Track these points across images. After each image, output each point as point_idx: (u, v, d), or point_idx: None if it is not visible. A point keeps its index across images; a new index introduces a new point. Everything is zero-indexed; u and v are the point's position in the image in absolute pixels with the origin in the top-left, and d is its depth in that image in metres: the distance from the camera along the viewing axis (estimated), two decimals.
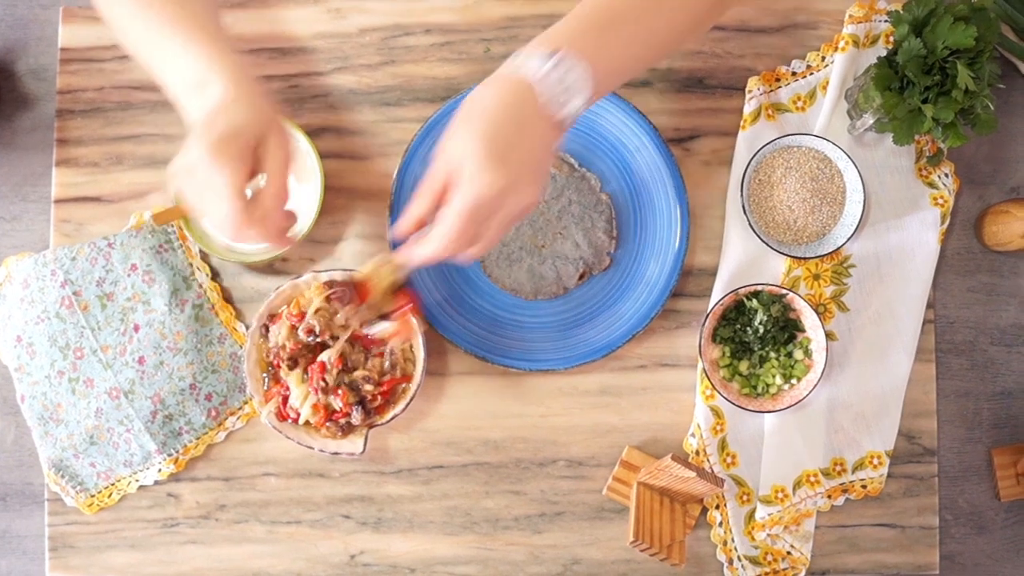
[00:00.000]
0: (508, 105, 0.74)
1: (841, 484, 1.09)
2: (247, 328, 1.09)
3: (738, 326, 1.07)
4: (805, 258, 1.07)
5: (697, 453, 1.09)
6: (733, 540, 1.09)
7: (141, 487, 1.09)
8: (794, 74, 1.12)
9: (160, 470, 1.08)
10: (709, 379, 1.05)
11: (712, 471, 1.08)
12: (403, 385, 1.05)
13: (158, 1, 0.82)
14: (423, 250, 0.79)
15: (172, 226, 1.09)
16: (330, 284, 1.04)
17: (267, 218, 0.78)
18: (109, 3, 0.85)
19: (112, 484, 1.09)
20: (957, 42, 0.95)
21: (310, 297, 1.04)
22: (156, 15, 0.81)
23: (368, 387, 1.03)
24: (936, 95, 0.97)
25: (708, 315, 1.05)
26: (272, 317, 1.05)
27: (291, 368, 1.03)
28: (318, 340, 1.02)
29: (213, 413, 1.08)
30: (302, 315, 1.03)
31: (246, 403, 1.09)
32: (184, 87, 0.81)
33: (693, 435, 1.09)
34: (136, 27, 0.82)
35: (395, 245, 1.03)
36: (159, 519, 1.10)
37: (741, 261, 1.09)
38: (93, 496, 1.09)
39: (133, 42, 0.85)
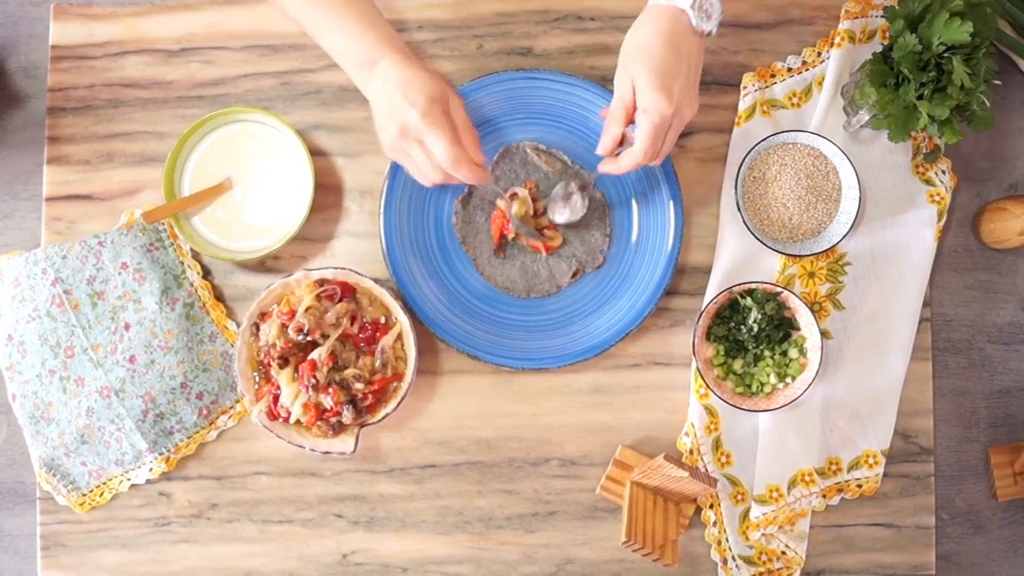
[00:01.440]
0: (667, 34, 0.91)
1: (836, 483, 1.08)
2: (238, 327, 1.08)
3: (732, 324, 1.06)
4: (800, 256, 1.06)
5: (691, 452, 1.08)
6: (727, 540, 1.08)
7: (133, 486, 1.09)
8: (789, 70, 1.11)
9: (151, 469, 1.08)
10: (703, 378, 1.05)
11: (706, 470, 1.08)
12: (394, 384, 1.05)
13: None
14: (623, 163, 0.96)
15: (163, 224, 1.09)
16: (321, 282, 1.04)
17: (473, 161, 0.94)
18: (294, 6, 0.99)
19: (104, 483, 1.09)
20: (953, 38, 0.94)
21: (300, 295, 1.03)
22: (325, 5, 0.97)
23: (359, 385, 1.02)
24: (932, 91, 0.96)
25: (702, 313, 1.04)
26: (263, 316, 1.05)
27: (282, 367, 1.03)
28: (308, 339, 1.02)
29: (204, 412, 1.08)
30: (292, 313, 1.02)
31: (237, 402, 1.09)
32: (356, 64, 0.97)
33: (687, 434, 1.08)
34: (307, 12, 0.97)
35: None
36: (151, 518, 1.10)
37: (735, 259, 1.08)
38: (85, 495, 1.09)
39: (305, 24, 0.99)
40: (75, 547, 1.10)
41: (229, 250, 1.08)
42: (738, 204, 1.06)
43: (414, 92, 0.92)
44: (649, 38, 0.92)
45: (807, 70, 1.11)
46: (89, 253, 1.07)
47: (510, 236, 1.07)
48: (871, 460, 1.08)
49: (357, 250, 1.10)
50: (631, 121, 0.95)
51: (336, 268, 1.05)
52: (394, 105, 0.92)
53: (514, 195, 1.06)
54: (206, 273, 1.10)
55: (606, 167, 0.99)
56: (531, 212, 1.06)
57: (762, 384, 1.06)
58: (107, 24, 1.13)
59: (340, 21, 0.96)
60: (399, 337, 1.05)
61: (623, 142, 0.97)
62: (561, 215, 1.07)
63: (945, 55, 0.95)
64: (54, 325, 1.06)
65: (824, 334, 1.08)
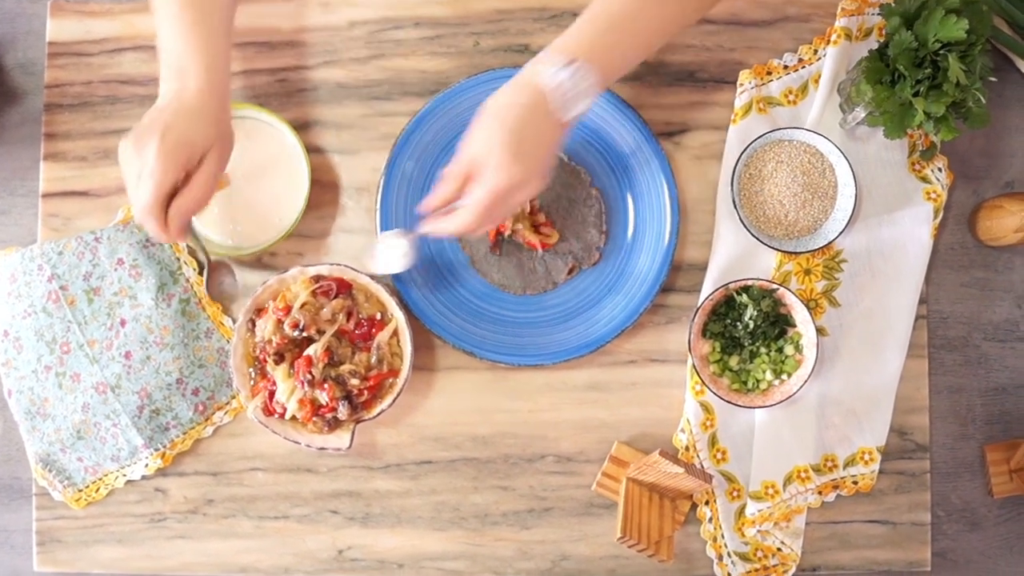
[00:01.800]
0: (526, 108, 0.86)
1: (832, 480, 1.08)
2: (234, 323, 1.08)
3: (728, 321, 1.06)
4: (796, 253, 1.06)
5: (687, 449, 1.08)
6: (723, 536, 1.08)
7: (128, 482, 1.09)
8: (786, 67, 1.11)
9: (147, 465, 1.08)
10: (699, 374, 1.05)
11: (701, 467, 1.08)
12: (390, 380, 1.05)
13: None
14: (447, 225, 0.90)
15: None
16: (317, 279, 1.04)
17: (173, 219, 0.89)
18: None
19: (99, 479, 1.09)
20: (948, 35, 0.94)
21: (296, 291, 1.03)
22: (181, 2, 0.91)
23: (355, 381, 1.02)
24: (927, 88, 0.96)
25: (698, 310, 1.04)
26: (259, 311, 1.05)
27: (277, 363, 1.03)
28: (304, 335, 1.02)
29: (200, 408, 1.08)
30: (288, 309, 1.02)
31: (233, 398, 1.09)
32: (167, 66, 0.91)
33: (683, 431, 1.08)
34: (161, 8, 0.93)
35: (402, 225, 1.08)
36: (146, 514, 1.10)
37: (732, 256, 1.08)
38: (80, 490, 1.09)
39: (157, 16, 0.94)
40: (71, 543, 1.10)
41: (224, 246, 1.08)
42: (734, 201, 1.06)
43: (177, 125, 0.88)
44: (507, 110, 0.87)
45: (803, 67, 1.11)
46: (85, 249, 1.07)
47: (506, 233, 1.07)
48: (867, 457, 1.08)
49: (353, 246, 1.10)
50: (467, 184, 0.90)
51: (332, 264, 1.05)
52: (154, 120, 0.88)
53: None
54: (202, 269, 1.10)
55: (428, 226, 0.93)
56: (527, 209, 1.06)
57: (758, 381, 1.06)
58: (104, 21, 1.13)
59: (181, 21, 0.91)
60: (395, 333, 1.06)
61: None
62: (377, 266, 1.04)
63: (941, 52, 0.95)
64: (50, 321, 1.06)
65: (820, 331, 1.08)
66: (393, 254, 1.03)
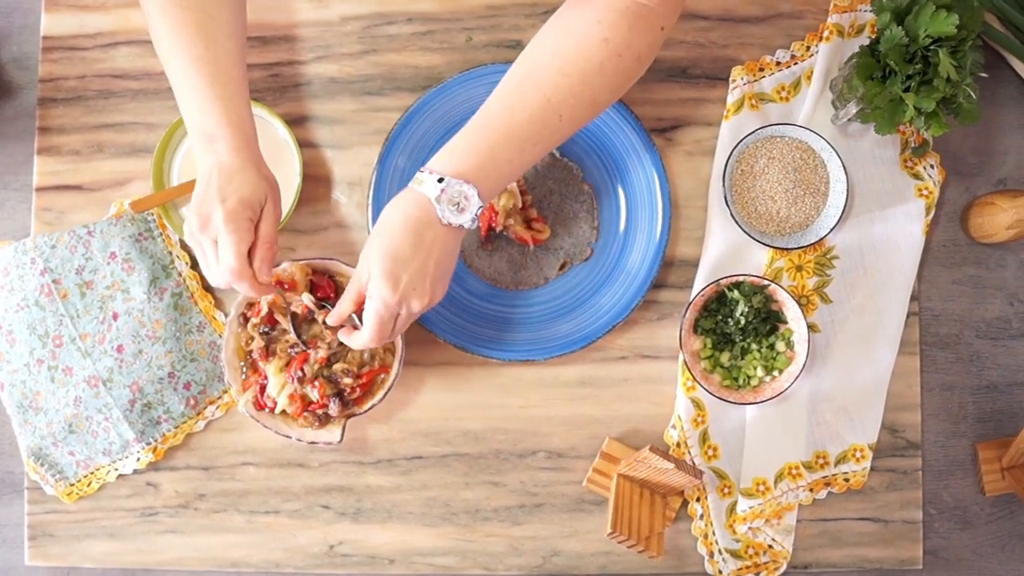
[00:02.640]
0: (411, 221, 0.87)
1: (823, 477, 1.08)
2: (226, 317, 1.08)
3: (719, 317, 1.06)
4: (788, 249, 1.06)
5: (678, 445, 1.08)
6: (714, 533, 1.08)
7: (120, 476, 1.09)
8: (778, 64, 1.11)
9: (139, 459, 1.08)
10: (690, 371, 1.05)
11: (692, 463, 1.07)
12: (381, 376, 1.05)
13: (186, 37, 0.91)
14: (354, 343, 0.94)
15: (151, 214, 1.09)
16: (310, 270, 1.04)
17: (261, 273, 0.91)
18: (156, 35, 0.93)
19: (91, 473, 1.09)
20: (939, 30, 0.94)
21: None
22: (184, 51, 0.91)
23: (347, 380, 1.02)
24: (918, 84, 0.96)
25: (689, 306, 1.04)
26: (250, 306, 1.05)
27: (264, 357, 1.03)
28: (273, 332, 1.03)
29: (192, 402, 1.08)
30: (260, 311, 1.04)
31: (225, 392, 1.09)
32: (197, 133, 0.91)
33: (674, 427, 1.08)
34: (173, 61, 0.92)
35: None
36: (138, 508, 1.10)
37: (723, 252, 1.08)
38: (72, 484, 1.09)
39: (167, 69, 0.93)
40: (62, 537, 1.10)
41: None
42: (726, 197, 1.06)
43: (231, 188, 0.89)
44: (393, 222, 0.87)
45: (796, 64, 1.11)
46: (78, 243, 1.07)
47: (498, 228, 1.07)
48: (858, 454, 1.08)
49: (346, 241, 1.11)
50: (363, 300, 0.92)
51: (324, 259, 1.05)
52: (208, 194, 0.89)
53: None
54: (195, 263, 1.10)
55: (343, 338, 0.96)
56: (519, 204, 1.06)
57: (749, 377, 1.06)
58: (98, 15, 1.13)
59: (198, 82, 0.91)
60: None
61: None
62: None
63: (931, 47, 0.95)
64: (42, 315, 1.07)
65: (811, 327, 1.08)
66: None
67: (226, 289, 0.97)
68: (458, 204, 0.87)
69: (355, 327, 0.95)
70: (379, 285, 0.87)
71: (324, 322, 0.98)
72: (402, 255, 0.87)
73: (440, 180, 0.86)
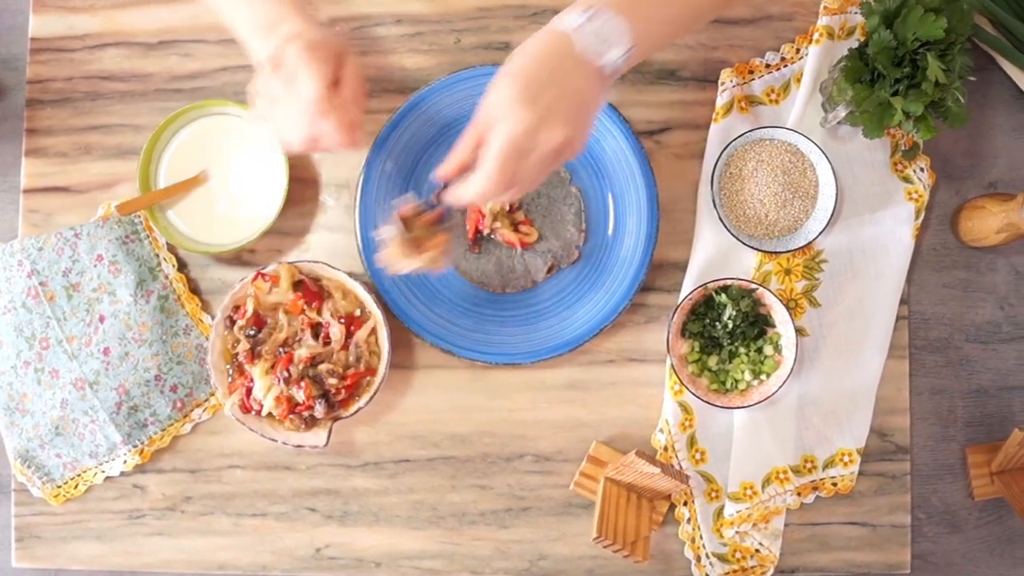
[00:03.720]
0: (543, 53, 0.77)
1: (811, 481, 1.07)
2: (213, 319, 1.08)
3: (707, 321, 1.06)
4: (776, 252, 1.06)
5: (665, 449, 1.08)
6: (701, 537, 1.08)
7: (107, 478, 1.09)
8: (768, 66, 1.11)
9: (126, 461, 1.08)
10: (677, 374, 1.04)
11: (680, 467, 1.07)
12: (368, 378, 1.05)
13: None
14: (466, 191, 0.81)
15: (138, 217, 1.09)
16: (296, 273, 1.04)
17: (343, 107, 0.83)
18: None
19: (78, 475, 1.09)
20: (927, 33, 0.94)
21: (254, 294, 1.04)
22: None
23: (332, 381, 1.02)
24: (906, 87, 0.96)
25: (677, 309, 1.04)
26: (237, 309, 1.05)
27: (250, 359, 1.03)
28: (259, 334, 1.03)
29: (179, 405, 1.08)
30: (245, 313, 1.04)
31: (212, 395, 1.09)
32: (256, 27, 0.85)
33: (661, 431, 1.08)
34: None
35: (425, 194, 1.07)
36: (125, 510, 1.10)
37: (711, 255, 1.08)
38: (59, 487, 1.09)
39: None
40: (49, 539, 1.10)
41: (204, 243, 1.08)
42: (714, 200, 1.05)
43: (306, 33, 0.82)
44: (526, 54, 0.78)
45: (786, 66, 1.10)
46: (65, 245, 1.07)
47: (485, 231, 1.06)
48: (846, 458, 1.07)
49: (332, 244, 1.10)
50: (480, 145, 0.81)
51: (311, 262, 1.05)
52: (276, 48, 0.82)
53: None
54: (181, 266, 1.10)
55: (448, 195, 0.84)
56: (505, 208, 1.06)
57: (736, 381, 1.06)
58: (86, 17, 1.13)
59: None
60: (373, 331, 1.05)
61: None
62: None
63: (920, 51, 0.95)
64: (29, 317, 1.06)
65: (800, 331, 1.07)
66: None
67: (298, 154, 0.89)
68: (604, 39, 0.77)
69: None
70: (511, 107, 0.75)
71: (435, 182, 0.88)
72: (538, 79, 0.76)
73: (582, 12, 0.77)
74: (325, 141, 0.84)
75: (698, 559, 1.07)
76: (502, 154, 0.77)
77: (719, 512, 1.07)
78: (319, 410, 1.02)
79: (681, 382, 1.05)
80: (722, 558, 1.07)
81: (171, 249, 1.10)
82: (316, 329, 1.04)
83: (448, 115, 1.08)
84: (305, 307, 1.03)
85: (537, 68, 0.77)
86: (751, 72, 1.10)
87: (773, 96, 1.10)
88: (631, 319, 1.09)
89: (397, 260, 0.94)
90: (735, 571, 1.07)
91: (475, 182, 0.79)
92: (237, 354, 1.04)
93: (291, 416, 1.03)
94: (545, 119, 0.76)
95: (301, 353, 1.02)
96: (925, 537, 1.10)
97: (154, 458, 1.09)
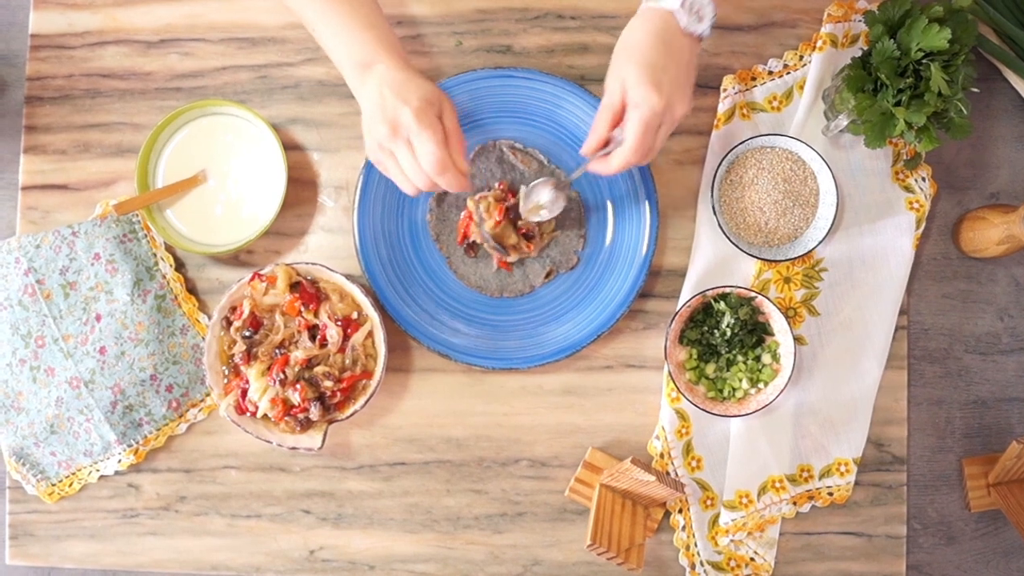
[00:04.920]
0: (657, 34, 0.91)
1: (807, 491, 1.07)
2: (210, 320, 1.08)
3: (705, 328, 1.05)
4: (776, 261, 1.05)
5: (662, 456, 1.07)
6: (696, 545, 1.07)
7: (102, 477, 1.09)
8: (770, 73, 1.10)
9: (120, 460, 1.08)
10: (675, 382, 1.04)
11: (676, 475, 1.07)
12: (364, 381, 1.04)
13: None
14: (612, 163, 0.94)
15: (136, 216, 1.08)
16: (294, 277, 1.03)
17: (459, 163, 0.92)
18: None
19: (73, 473, 1.09)
20: (931, 44, 0.93)
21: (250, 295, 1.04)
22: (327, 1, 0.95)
23: (328, 383, 1.02)
24: (909, 98, 0.95)
25: (675, 316, 1.04)
26: (233, 309, 1.05)
27: (247, 361, 1.03)
28: (256, 335, 1.03)
29: (174, 404, 1.08)
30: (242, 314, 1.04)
31: (207, 395, 1.09)
32: (352, 65, 0.94)
33: (658, 437, 1.08)
34: (308, 8, 0.95)
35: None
36: (119, 509, 1.10)
37: (711, 263, 1.07)
38: (54, 485, 1.09)
39: (305, 19, 0.97)
40: (43, 537, 1.10)
41: (202, 243, 1.08)
42: (714, 207, 1.05)
43: (409, 92, 0.90)
44: (638, 38, 0.91)
45: (788, 74, 1.10)
46: (62, 243, 1.07)
47: (472, 238, 1.06)
48: (843, 468, 1.07)
49: (331, 245, 1.10)
50: (618, 123, 0.93)
51: (309, 263, 1.04)
52: (386, 104, 0.90)
53: (484, 197, 1.05)
54: (179, 266, 1.10)
55: (595, 166, 0.96)
56: (498, 221, 1.04)
57: (734, 389, 1.05)
58: (87, 14, 1.13)
59: (340, 20, 0.93)
60: (369, 334, 1.05)
61: (608, 144, 0.95)
62: (532, 215, 1.04)
63: (923, 61, 0.94)
64: (26, 314, 1.06)
65: (798, 340, 1.07)
66: (545, 201, 1.04)
67: (420, 194, 0.95)
68: (697, 13, 0.91)
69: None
70: (644, 92, 0.89)
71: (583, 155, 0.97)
72: (659, 62, 0.89)
73: None
74: (439, 189, 0.93)
75: (693, 567, 1.07)
76: (642, 130, 0.90)
77: (714, 520, 1.07)
78: (315, 412, 1.02)
79: (678, 389, 1.04)
80: (717, 566, 1.07)
81: (169, 249, 1.10)
82: (313, 331, 1.04)
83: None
84: (302, 309, 1.03)
85: (654, 50, 0.90)
86: (753, 79, 1.10)
87: (775, 103, 1.10)
88: (629, 325, 1.09)
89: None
90: None
91: (620, 156, 0.92)
92: (233, 355, 1.04)
93: (286, 418, 1.02)
94: (671, 98, 0.90)
95: (297, 355, 1.02)
96: (920, 548, 1.09)
97: (149, 458, 1.09)
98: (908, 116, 0.95)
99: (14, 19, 1.15)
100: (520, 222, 1.06)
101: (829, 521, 1.08)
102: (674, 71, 0.90)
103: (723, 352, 1.05)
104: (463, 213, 1.07)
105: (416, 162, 0.90)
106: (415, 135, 0.89)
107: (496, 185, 1.07)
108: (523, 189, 1.05)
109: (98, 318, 1.06)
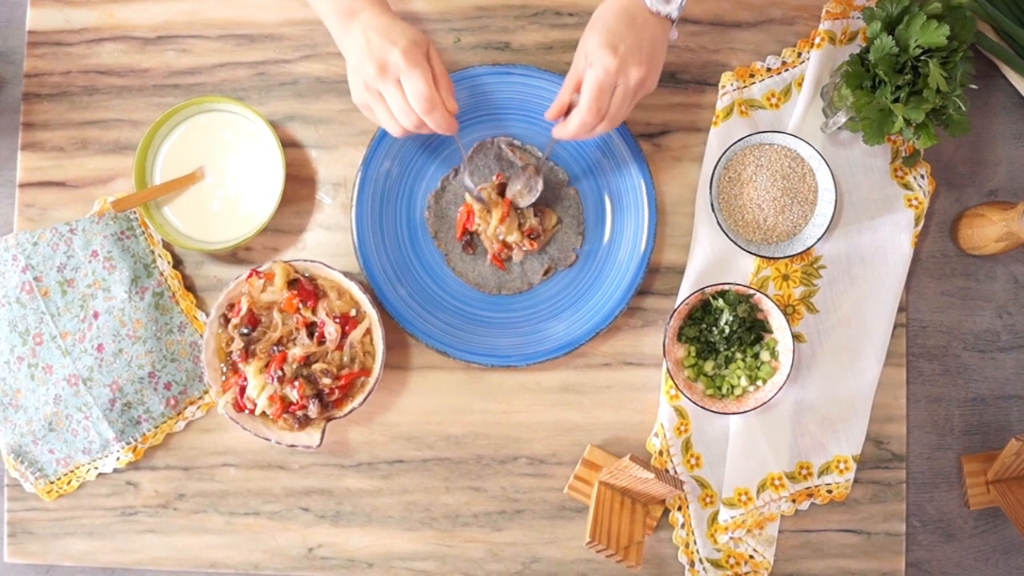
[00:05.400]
0: (623, 9, 0.93)
1: (806, 488, 1.07)
2: (207, 317, 1.07)
3: (704, 326, 1.05)
4: (774, 258, 1.05)
5: (660, 453, 1.07)
6: (695, 542, 1.07)
7: (100, 475, 1.09)
8: (769, 70, 1.10)
9: (119, 458, 1.08)
10: (673, 379, 1.04)
11: (675, 472, 1.07)
12: (362, 379, 1.04)
13: None
14: (568, 126, 0.95)
15: (134, 213, 1.08)
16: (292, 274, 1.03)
17: (447, 103, 0.93)
18: None
19: (71, 471, 1.08)
20: (929, 41, 0.93)
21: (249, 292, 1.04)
22: None
23: (326, 380, 1.02)
24: (908, 94, 0.95)
25: (673, 314, 1.03)
26: (231, 307, 1.04)
27: (245, 358, 1.02)
28: (254, 332, 1.02)
29: (172, 402, 1.07)
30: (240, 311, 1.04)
31: (206, 393, 1.08)
32: (335, 14, 0.94)
33: (656, 435, 1.08)
34: None
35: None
36: (118, 507, 1.09)
37: (709, 260, 1.07)
38: (52, 482, 1.09)
39: None
40: (42, 534, 1.10)
41: (200, 240, 1.08)
42: (713, 204, 1.05)
43: (396, 34, 0.91)
44: (604, 13, 0.94)
45: (786, 70, 1.10)
46: (60, 240, 1.07)
47: (472, 229, 1.06)
48: (842, 465, 1.07)
49: (329, 242, 1.10)
50: (579, 86, 0.94)
51: (307, 261, 1.04)
52: (372, 47, 0.91)
53: (484, 189, 1.05)
54: (177, 263, 1.10)
55: (557, 131, 0.97)
56: (505, 213, 1.05)
57: (733, 386, 1.05)
58: (84, 10, 1.12)
59: None
60: (368, 331, 1.05)
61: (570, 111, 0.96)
62: (524, 200, 1.06)
63: (922, 58, 0.94)
64: (23, 312, 1.06)
65: (797, 337, 1.07)
66: (523, 186, 1.05)
67: (407, 135, 0.96)
68: None
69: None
70: (598, 53, 0.91)
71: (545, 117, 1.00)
72: (618, 30, 0.91)
73: None
74: (429, 128, 0.94)
75: (692, 564, 1.07)
76: (594, 92, 0.92)
77: (713, 518, 1.07)
78: (313, 410, 1.02)
79: (677, 387, 1.04)
80: (716, 564, 1.07)
81: (166, 246, 1.09)
82: (311, 328, 1.04)
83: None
84: (300, 306, 1.03)
85: (617, 20, 0.92)
86: (752, 76, 1.10)
87: (773, 100, 1.09)
88: (628, 323, 1.09)
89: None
90: None
91: (574, 117, 0.94)
92: (231, 352, 1.04)
93: (285, 415, 1.02)
94: (626, 61, 0.91)
95: (295, 352, 1.02)
96: (920, 545, 1.09)
97: (147, 455, 1.09)
98: (907, 113, 0.95)
99: (11, 16, 1.14)
100: (521, 220, 1.06)
101: (828, 519, 1.08)
102: (633, 39, 0.92)
103: (722, 349, 1.05)
104: (461, 208, 1.07)
105: (405, 101, 0.91)
106: (404, 73, 0.90)
107: (494, 178, 1.06)
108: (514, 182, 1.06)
109: (96, 315, 1.06)
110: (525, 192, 1.05)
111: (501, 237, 1.05)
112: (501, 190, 1.06)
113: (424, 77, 0.90)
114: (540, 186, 1.05)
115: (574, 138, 0.96)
